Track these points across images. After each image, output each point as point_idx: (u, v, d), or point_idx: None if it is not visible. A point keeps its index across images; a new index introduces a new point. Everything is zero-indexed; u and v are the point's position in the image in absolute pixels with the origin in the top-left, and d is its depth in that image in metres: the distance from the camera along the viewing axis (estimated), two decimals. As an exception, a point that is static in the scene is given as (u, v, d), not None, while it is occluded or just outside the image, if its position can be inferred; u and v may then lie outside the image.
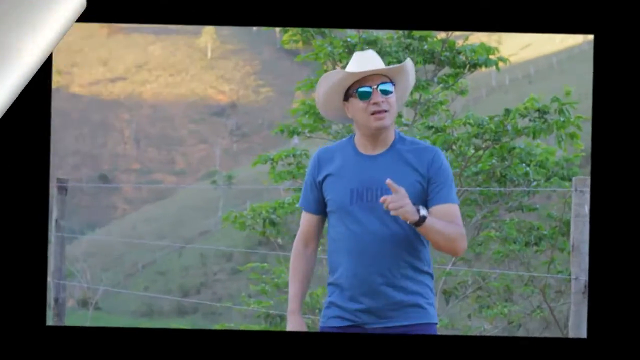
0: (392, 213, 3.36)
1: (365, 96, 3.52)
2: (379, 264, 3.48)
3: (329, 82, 3.58)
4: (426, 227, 3.42)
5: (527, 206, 8.69)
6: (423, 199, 3.53)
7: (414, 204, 3.45)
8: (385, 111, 3.52)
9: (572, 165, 8.72)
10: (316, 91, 3.73)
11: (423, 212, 3.42)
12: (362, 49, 8.17)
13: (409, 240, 3.52)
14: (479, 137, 7.77)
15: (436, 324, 3.60)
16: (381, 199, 3.39)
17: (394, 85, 3.57)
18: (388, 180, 3.39)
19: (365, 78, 3.54)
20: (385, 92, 3.52)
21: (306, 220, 3.70)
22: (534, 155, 8.11)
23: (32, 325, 4.00)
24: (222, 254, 68.10)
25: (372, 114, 3.51)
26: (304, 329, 3.59)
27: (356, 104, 3.55)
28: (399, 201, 3.36)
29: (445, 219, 3.52)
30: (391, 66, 3.57)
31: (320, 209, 3.65)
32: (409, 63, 3.62)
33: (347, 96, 3.59)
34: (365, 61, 3.56)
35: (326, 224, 3.66)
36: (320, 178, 3.60)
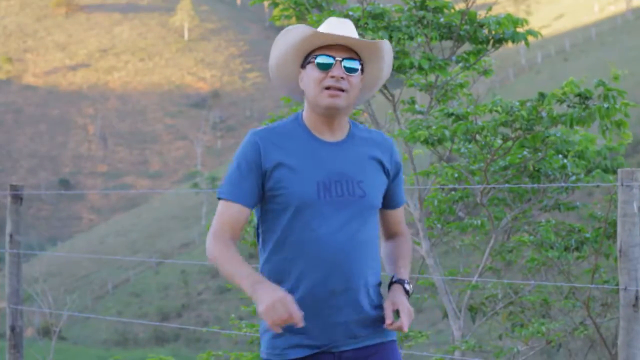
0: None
1: (324, 67, 3.43)
2: (349, 272, 3.42)
3: (290, 38, 3.48)
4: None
5: (565, 204, 8.69)
6: (382, 195, 3.57)
7: (379, 198, 3.53)
8: (343, 90, 3.43)
9: (616, 155, 8.71)
10: (272, 51, 3.55)
11: (408, 287, 3.54)
12: (365, 23, 8.18)
13: (375, 244, 3.54)
14: (508, 125, 7.76)
15: (396, 341, 3.63)
16: (389, 326, 3.39)
17: (362, 65, 3.51)
18: (388, 322, 3.39)
19: (330, 47, 3.45)
20: (349, 70, 3.43)
21: (235, 212, 3.43)
22: (571, 145, 8.09)
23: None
24: (207, 270, 68.14)
25: (327, 88, 3.44)
26: (282, 294, 3.24)
27: (312, 73, 3.45)
28: (409, 320, 3.43)
29: (401, 220, 3.70)
30: (363, 40, 3.45)
31: (253, 202, 3.44)
32: (386, 45, 3.53)
33: (305, 63, 3.48)
34: (337, 27, 3.48)
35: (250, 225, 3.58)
36: (267, 165, 3.43)
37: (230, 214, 3.44)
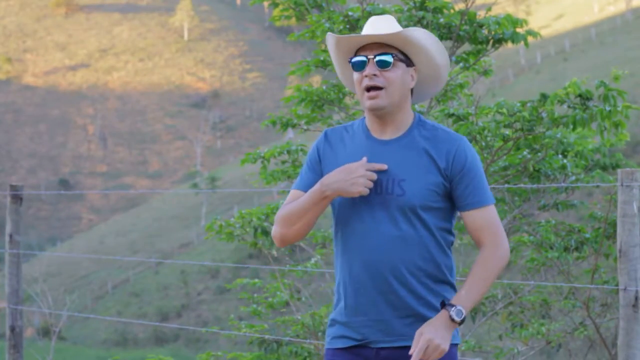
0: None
1: (359, 67, 3.48)
2: (386, 268, 3.43)
3: (329, 47, 3.58)
4: (473, 306, 3.43)
5: (563, 203, 8.68)
6: (440, 194, 3.48)
7: (426, 198, 3.43)
8: (380, 88, 3.46)
9: (615, 151, 8.71)
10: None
11: (454, 314, 3.36)
12: (365, 23, 8.19)
13: (424, 243, 3.46)
14: (509, 126, 7.75)
15: (457, 345, 3.54)
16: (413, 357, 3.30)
17: (404, 58, 3.49)
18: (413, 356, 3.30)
19: (365, 47, 3.49)
20: (382, 64, 3.45)
21: (296, 197, 3.57)
22: (569, 145, 8.08)
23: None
24: (207, 270, 68.13)
25: (366, 90, 3.47)
26: (337, 170, 3.41)
27: (354, 76, 3.54)
28: (432, 350, 3.31)
29: (482, 227, 3.48)
30: (383, 32, 3.46)
31: None
32: (415, 31, 3.48)
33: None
34: (375, 26, 3.49)
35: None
36: (323, 160, 3.54)
37: (291, 199, 3.58)
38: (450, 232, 3.54)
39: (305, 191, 3.53)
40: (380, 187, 3.46)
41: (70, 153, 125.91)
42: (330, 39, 3.53)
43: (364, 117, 3.60)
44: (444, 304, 3.40)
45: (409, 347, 3.43)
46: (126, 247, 77.72)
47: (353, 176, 3.38)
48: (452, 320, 3.36)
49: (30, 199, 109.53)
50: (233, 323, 9.12)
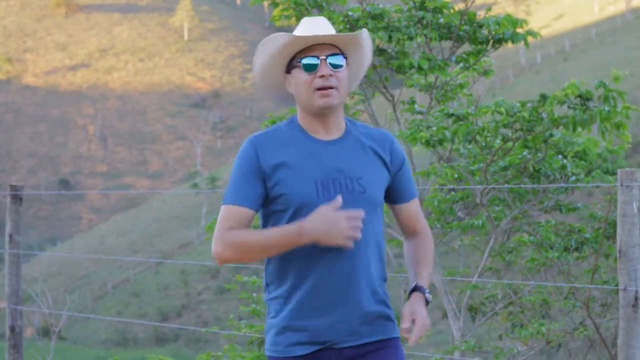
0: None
1: (310, 68, 3.46)
2: (351, 268, 3.43)
3: (270, 47, 3.51)
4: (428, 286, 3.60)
5: (565, 205, 8.69)
6: (385, 188, 3.56)
7: (380, 194, 3.50)
8: (333, 87, 3.45)
9: (616, 158, 8.72)
10: (254, 60, 3.57)
11: (428, 295, 3.51)
12: (365, 23, 8.18)
13: (380, 240, 3.53)
14: (509, 126, 7.76)
15: (400, 337, 3.63)
16: (405, 333, 3.39)
17: (346, 58, 3.52)
18: (405, 327, 3.39)
19: (312, 47, 3.48)
20: (335, 66, 3.46)
21: (239, 217, 3.45)
22: (572, 145, 8.09)
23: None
24: (207, 270, 68.10)
25: (318, 89, 3.46)
26: (323, 212, 3.33)
27: (299, 76, 3.48)
28: (421, 333, 3.42)
29: (417, 215, 3.65)
30: (343, 34, 3.48)
31: (258, 205, 3.47)
32: (364, 34, 3.55)
33: (289, 68, 3.51)
34: (314, 27, 3.50)
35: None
36: (266, 167, 3.45)
37: (233, 216, 3.45)
38: None
39: (249, 206, 3.44)
40: (339, 186, 3.45)
41: (70, 153, 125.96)
42: (281, 38, 3.48)
43: (292, 120, 3.57)
44: (416, 287, 3.50)
45: (369, 344, 3.48)
46: (126, 247, 77.75)
47: (336, 228, 3.31)
48: (427, 302, 3.50)
49: (30, 199, 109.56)
50: (233, 323, 9.13)
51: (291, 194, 3.43)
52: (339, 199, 3.33)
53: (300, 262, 3.44)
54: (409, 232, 3.65)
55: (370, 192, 3.47)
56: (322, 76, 3.44)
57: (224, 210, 3.46)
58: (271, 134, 3.52)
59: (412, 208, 3.63)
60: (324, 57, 3.46)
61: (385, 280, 3.54)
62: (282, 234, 3.36)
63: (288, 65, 3.52)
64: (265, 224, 3.53)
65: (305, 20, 3.53)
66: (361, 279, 3.44)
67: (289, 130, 3.52)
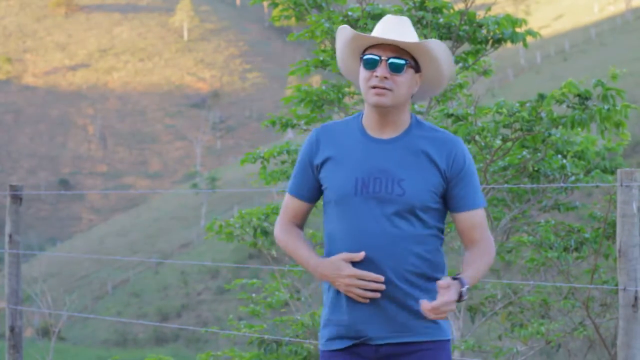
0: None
1: (370, 65, 3.50)
2: (385, 267, 3.45)
3: (340, 39, 3.59)
4: (470, 286, 3.48)
5: (564, 205, 8.68)
6: (438, 195, 3.52)
7: (425, 198, 3.47)
8: (387, 89, 3.48)
9: (614, 156, 8.71)
10: (336, 50, 3.67)
11: (464, 290, 3.40)
12: (365, 24, 8.18)
13: (421, 242, 3.49)
14: (509, 126, 7.76)
15: (449, 340, 3.60)
16: (423, 307, 3.34)
17: (415, 64, 3.53)
18: (423, 304, 3.33)
19: (380, 45, 3.51)
20: (394, 67, 3.48)
21: (293, 206, 3.67)
22: (572, 145, 8.09)
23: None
24: (207, 270, 68.05)
25: (373, 87, 3.50)
26: (336, 266, 3.45)
27: (361, 72, 3.56)
28: (444, 307, 3.33)
29: (475, 226, 3.56)
30: (405, 41, 3.50)
31: (312, 197, 3.63)
32: (433, 44, 3.53)
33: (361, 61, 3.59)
34: (390, 27, 3.52)
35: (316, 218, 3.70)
36: (318, 160, 3.55)
37: (290, 206, 3.67)
38: (442, 232, 3.60)
39: (302, 197, 3.64)
40: (379, 185, 3.47)
41: (70, 153, 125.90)
42: (346, 33, 3.54)
43: (359, 114, 3.63)
44: (456, 277, 3.43)
45: (407, 343, 3.47)
46: (126, 247, 77.70)
47: (338, 281, 3.47)
48: (460, 296, 3.41)
49: (30, 199, 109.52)
50: (232, 323, 9.13)
51: (331, 187, 3.53)
52: (362, 254, 3.44)
53: (337, 254, 3.52)
54: (466, 242, 3.60)
55: (410, 195, 3.47)
56: (377, 76, 3.49)
57: (285, 198, 3.69)
58: (334, 126, 3.64)
59: (471, 218, 3.56)
60: (385, 58, 3.50)
61: (428, 279, 3.50)
62: (306, 260, 3.57)
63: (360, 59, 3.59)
64: (323, 214, 3.65)
65: (387, 17, 3.57)
66: (395, 278, 3.46)
67: (350, 125, 3.61)
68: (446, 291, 3.35)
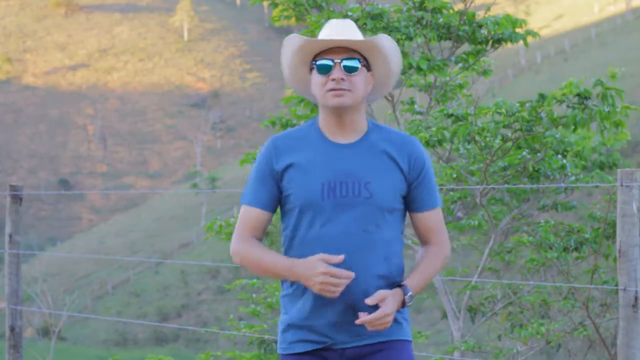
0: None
1: (324, 70, 3.49)
2: (356, 271, 3.43)
3: (288, 48, 3.56)
4: (416, 292, 3.53)
5: (563, 204, 8.69)
6: (401, 196, 3.54)
7: (391, 200, 3.48)
8: (345, 90, 3.47)
9: (612, 151, 8.71)
10: (281, 59, 3.64)
11: (407, 297, 3.47)
12: (364, 24, 8.19)
13: (388, 245, 3.51)
14: (508, 126, 7.76)
15: (411, 342, 3.62)
16: (359, 321, 3.38)
17: (366, 63, 3.54)
18: (362, 317, 3.37)
19: (330, 50, 3.51)
20: (349, 69, 3.48)
21: (253, 218, 3.56)
22: (569, 145, 8.09)
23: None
24: (207, 270, 68.09)
25: (329, 90, 3.48)
26: (315, 265, 3.38)
27: (315, 77, 3.53)
28: (382, 319, 3.39)
29: (433, 228, 3.60)
30: (358, 39, 3.50)
31: (272, 206, 3.55)
32: (383, 39, 3.55)
33: (310, 69, 3.56)
34: (338, 30, 3.52)
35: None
36: (279, 167, 3.51)
37: (250, 218, 3.57)
38: (402, 234, 3.62)
39: (263, 207, 3.55)
40: (345, 189, 3.47)
41: (70, 153, 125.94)
42: (295, 40, 3.52)
43: (314, 121, 3.60)
44: (400, 285, 3.49)
45: (370, 345, 3.49)
46: (126, 247, 77.72)
47: (312, 280, 3.39)
48: (404, 304, 3.48)
49: (30, 199, 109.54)
50: (232, 323, 9.14)
51: (297, 194, 3.48)
52: (341, 257, 3.39)
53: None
54: (423, 240, 3.65)
55: (378, 198, 3.48)
56: (334, 79, 3.47)
57: (242, 211, 3.59)
58: (290, 134, 3.59)
59: (430, 218, 3.60)
60: (339, 61, 3.49)
61: (390, 284, 3.51)
62: (274, 264, 3.47)
63: (310, 66, 3.57)
64: (282, 222, 3.60)
65: (331, 21, 3.56)
66: (363, 281, 3.45)
67: (307, 132, 3.58)
68: (383, 303, 3.40)
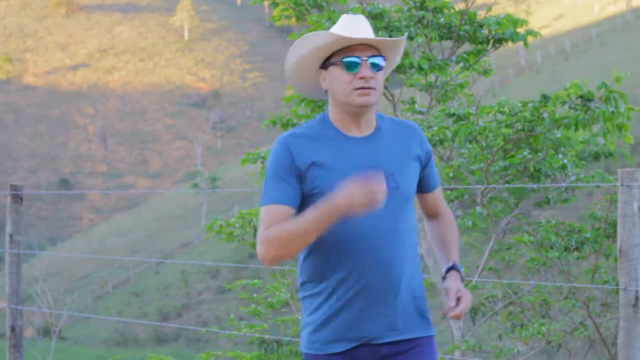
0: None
1: (352, 67, 3.48)
2: (386, 265, 3.46)
3: (311, 44, 3.51)
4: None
5: (556, 200, 8.67)
6: (417, 179, 3.61)
7: (413, 187, 3.57)
8: (372, 88, 3.48)
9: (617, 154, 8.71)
10: (290, 53, 3.58)
11: (462, 273, 3.61)
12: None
13: (413, 234, 3.55)
14: (510, 126, 7.76)
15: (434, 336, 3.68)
16: (448, 313, 3.46)
17: (385, 60, 3.56)
18: (449, 311, 3.45)
19: (353, 47, 3.50)
20: (375, 67, 3.49)
21: (279, 213, 3.43)
22: (561, 142, 8.08)
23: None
24: (207, 270, 68.08)
25: (357, 88, 3.48)
26: (346, 187, 3.30)
27: (339, 74, 3.50)
28: (465, 305, 3.48)
29: (440, 200, 3.74)
30: (390, 39, 3.57)
31: (298, 203, 3.46)
32: (404, 40, 3.63)
33: (326, 64, 3.53)
34: (356, 26, 3.52)
35: None
36: (302, 166, 3.46)
37: (274, 216, 3.44)
38: None
39: (289, 204, 3.44)
40: None
41: (70, 153, 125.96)
42: (325, 37, 3.49)
43: (323, 117, 3.59)
44: (452, 267, 3.58)
45: (405, 341, 3.49)
46: (126, 247, 77.74)
47: (352, 193, 3.27)
48: (462, 280, 3.58)
49: (30, 198, 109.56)
50: (233, 323, 9.13)
51: (327, 192, 3.41)
52: (377, 175, 3.28)
53: (336, 261, 3.46)
54: (432, 215, 3.73)
55: (404, 188, 3.50)
56: (363, 77, 3.46)
57: (264, 211, 3.45)
58: (304, 132, 3.53)
59: (437, 195, 3.72)
60: (365, 58, 3.48)
61: (420, 275, 3.57)
62: (314, 213, 3.30)
63: (325, 61, 3.53)
64: None
65: (345, 18, 3.55)
66: (398, 275, 3.47)
67: (321, 128, 3.54)
68: (462, 295, 3.48)
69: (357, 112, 3.50)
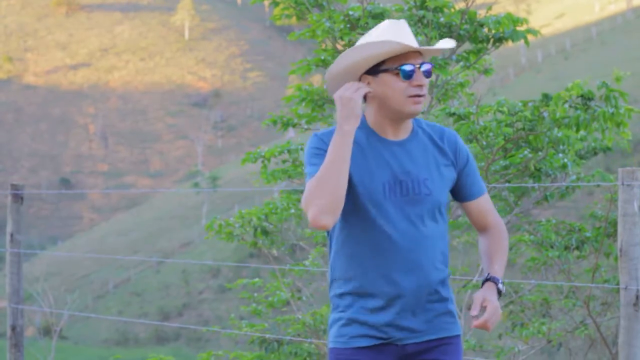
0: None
1: (408, 75, 3.52)
2: (414, 268, 3.51)
3: (371, 51, 3.52)
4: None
5: (552, 195, 8.67)
6: (450, 187, 3.62)
7: (445, 194, 3.57)
8: (424, 96, 3.54)
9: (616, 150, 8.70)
10: (342, 57, 3.57)
11: (501, 286, 3.65)
12: (365, 23, 8.18)
13: (443, 239, 3.60)
14: (510, 125, 7.76)
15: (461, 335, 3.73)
16: (473, 318, 3.48)
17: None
18: (476, 323, 3.47)
19: (406, 55, 3.54)
20: (427, 74, 3.55)
21: None
22: (559, 140, 8.07)
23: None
24: (208, 270, 68.08)
25: (411, 96, 3.53)
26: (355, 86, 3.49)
27: (393, 82, 3.53)
28: (495, 317, 3.52)
29: (487, 211, 3.69)
30: (449, 46, 3.61)
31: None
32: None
33: (374, 70, 3.55)
34: (405, 33, 3.55)
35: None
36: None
37: None
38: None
39: None
40: (406, 188, 3.51)
41: (71, 152, 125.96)
42: (396, 46, 3.50)
43: (362, 118, 3.61)
44: (489, 278, 3.62)
45: (431, 341, 3.56)
46: (127, 246, 77.74)
47: (343, 97, 3.45)
48: (499, 292, 3.61)
49: (31, 198, 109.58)
50: (234, 322, 9.13)
51: (359, 193, 3.50)
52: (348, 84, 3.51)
53: (365, 262, 3.53)
54: (481, 227, 3.72)
55: (435, 194, 3.54)
56: (419, 85, 3.51)
57: (307, 185, 3.48)
58: (332, 133, 3.56)
59: (482, 204, 3.68)
60: (418, 66, 3.53)
61: (447, 279, 3.60)
62: (331, 144, 3.44)
63: (373, 68, 3.55)
64: (346, 215, 3.54)
65: (391, 25, 3.57)
66: (425, 277, 3.52)
67: (357, 130, 3.57)
68: (488, 304, 3.51)
69: (403, 118, 3.55)
